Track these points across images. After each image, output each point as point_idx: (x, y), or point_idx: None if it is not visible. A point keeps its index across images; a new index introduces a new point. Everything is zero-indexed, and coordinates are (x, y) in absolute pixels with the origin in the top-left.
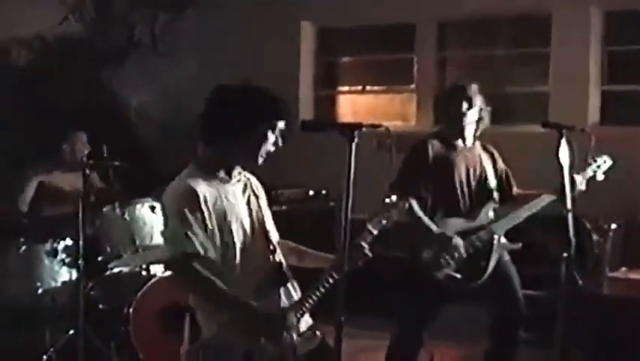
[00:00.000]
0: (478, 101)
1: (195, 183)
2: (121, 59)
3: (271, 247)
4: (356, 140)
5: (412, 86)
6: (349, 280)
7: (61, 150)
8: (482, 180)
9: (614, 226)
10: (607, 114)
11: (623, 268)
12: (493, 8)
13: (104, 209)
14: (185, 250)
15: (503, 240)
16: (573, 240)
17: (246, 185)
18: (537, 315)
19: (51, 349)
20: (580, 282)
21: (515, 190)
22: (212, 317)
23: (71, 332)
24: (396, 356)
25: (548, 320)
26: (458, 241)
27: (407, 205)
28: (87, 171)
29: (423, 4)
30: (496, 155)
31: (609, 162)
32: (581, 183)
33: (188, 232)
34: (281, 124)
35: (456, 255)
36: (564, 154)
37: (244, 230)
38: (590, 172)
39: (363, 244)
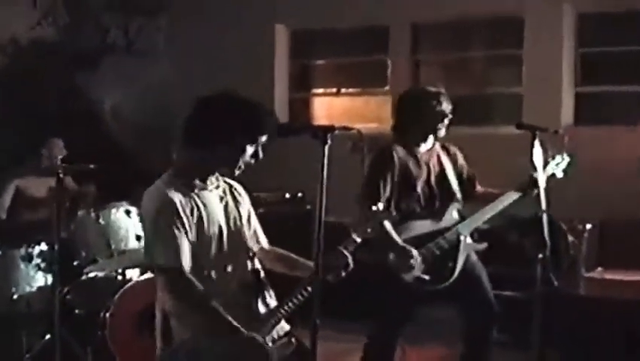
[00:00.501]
0: (449, 106)
1: (172, 191)
2: (95, 62)
3: (250, 254)
4: (329, 143)
5: (387, 88)
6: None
7: (39, 154)
8: (443, 180)
9: (589, 226)
10: (581, 115)
11: (599, 269)
12: (467, 10)
13: (79, 213)
14: (179, 262)
15: (469, 240)
16: (548, 241)
17: (224, 191)
18: (513, 316)
19: (27, 354)
20: (556, 283)
21: (479, 188)
22: (187, 323)
23: (48, 337)
24: (371, 359)
25: (524, 321)
26: (414, 252)
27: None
28: (61, 175)
29: (397, 7)
30: (458, 153)
31: (567, 159)
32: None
33: (175, 244)
34: (263, 138)
35: (413, 266)
36: (538, 155)
37: (220, 237)
38: (549, 170)
39: (346, 252)
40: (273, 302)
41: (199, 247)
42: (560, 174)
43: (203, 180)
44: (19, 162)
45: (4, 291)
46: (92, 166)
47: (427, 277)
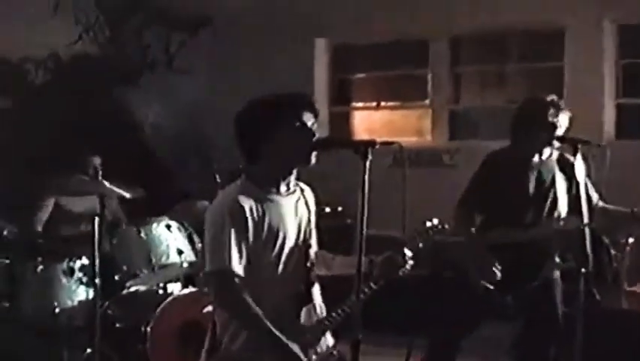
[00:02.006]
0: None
1: (242, 197)
2: (136, 78)
3: (308, 265)
4: (369, 157)
5: (427, 101)
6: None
7: (84, 172)
8: (548, 193)
9: (631, 240)
10: (622, 128)
11: None
12: (507, 22)
13: (121, 228)
14: (228, 267)
15: (557, 258)
16: (591, 255)
17: (298, 198)
18: None
19: None
20: (598, 297)
21: (600, 205)
22: (235, 335)
23: (88, 351)
24: None
25: (568, 334)
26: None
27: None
28: (105, 194)
29: (436, 20)
30: (577, 165)
31: None
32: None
33: (231, 249)
34: (306, 115)
35: (493, 273)
36: (580, 169)
37: (288, 247)
38: None
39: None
40: (320, 313)
41: (261, 254)
42: None
43: (278, 186)
44: (60, 177)
45: (46, 305)
46: (127, 195)
47: (491, 287)
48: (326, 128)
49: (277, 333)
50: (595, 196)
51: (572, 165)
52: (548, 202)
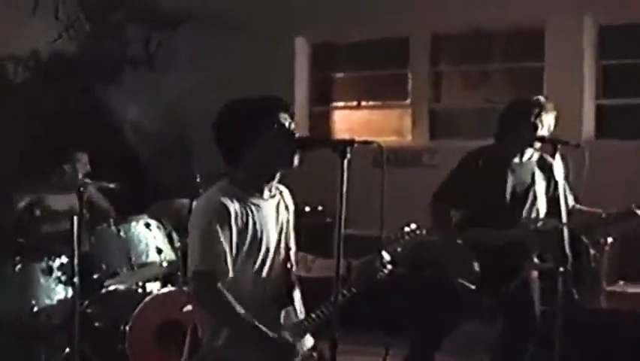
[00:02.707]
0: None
1: (227, 199)
2: (116, 76)
3: (289, 265)
4: (348, 156)
5: (407, 101)
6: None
7: (62, 169)
8: (527, 193)
9: (610, 239)
10: (602, 128)
11: (621, 282)
12: (488, 22)
13: (99, 226)
14: (214, 268)
15: (535, 259)
16: (569, 254)
17: (279, 201)
18: None
19: None
20: (577, 296)
21: (576, 206)
22: (217, 332)
23: (67, 350)
24: None
25: (546, 334)
26: (475, 268)
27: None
28: (83, 191)
29: (417, 19)
30: (555, 166)
31: None
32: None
33: (217, 249)
34: (284, 117)
35: (472, 270)
36: (559, 168)
37: (270, 251)
38: None
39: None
40: (299, 316)
41: (244, 258)
42: None
43: (261, 190)
44: (41, 175)
45: (25, 304)
46: (110, 185)
47: (472, 287)
48: (306, 128)
49: (263, 328)
50: (570, 198)
51: (551, 166)
52: (528, 203)
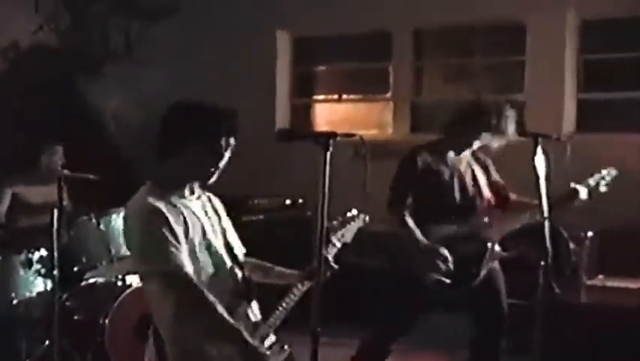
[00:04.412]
0: (494, 115)
1: (156, 201)
2: (96, 68)
3: (238, 262)
4: (331, 149)
5: (389, 94)
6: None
7: (39, 161)
8: (474, 187)
9: (590, 234)
10: (583, 122)
11: (600, 276)
12: (470, 17)
13: (79, 219)
14: (181, 265)
15: (497, 248)
16: (550, 248)
17: (204, 202)
18: (514, 323)
19: (27, 360)
20: (557, 290)
21: (512, 196)
22: (191, 331)
23: (47, 342)
24: None
25: (525, 327)
26: (445, 251)
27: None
28: (62, 182)
29: (399, 13)
30: (488, 161)
31: (614, 173)
32: (583, 193)
33: (172, 249)
34: (220, 134)
35: (443, 265)
36: (540, 162)
37: (209, 246)
38: (592, 182)
39: (329, 256)
40: (258, 312)
41: (190, 257)
42: (603, 189)
43: (182, 191)
44: (17, 168)
45: (4, 296)
46: (90, 176)
47: (447, 281)
48: (287, 121)
49: (245, 333)
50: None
51: (485, 161)
52: (473, 195)
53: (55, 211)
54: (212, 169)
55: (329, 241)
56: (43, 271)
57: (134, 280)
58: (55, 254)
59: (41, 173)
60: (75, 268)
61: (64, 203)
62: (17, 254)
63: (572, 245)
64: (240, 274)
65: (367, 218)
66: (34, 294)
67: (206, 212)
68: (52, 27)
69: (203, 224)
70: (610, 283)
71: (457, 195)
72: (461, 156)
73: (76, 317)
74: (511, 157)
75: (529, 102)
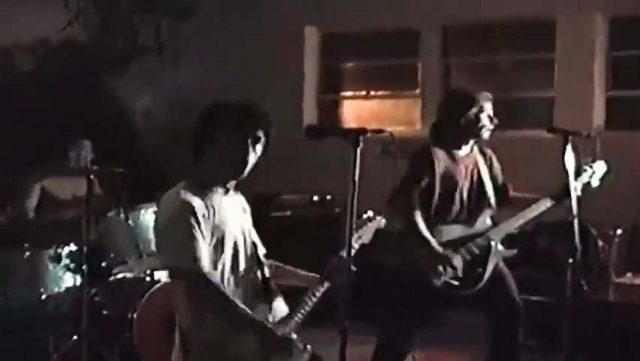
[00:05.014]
0: (490, 111)
1: (190, 196)
2: (125, 65)
3: (261, 262)
4: (361, 145)
5: (417, 91)
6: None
7: (67, 156)
8: (479, 186)
9: (619, 231)
10: (612, 119)
11: (629, 274)
12: (499, 13)
13: (108, 214)
14: (198, 263)
15: (500, 247)
16: (579, 246)
17: (234, 202)
18: (542, 321)
19: (55, 355)
20: (586, 288)
21: (513, 194)
22: (211, 326)
23: (75, 337)
24: None
25: (554, 326)
26: (458, 260)
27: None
28: (91, 177)
29: (428, 10)
30: (493, 158)
31: (604, 168)
32: (576, 188)
33: (194, 244)
34: (251, 130)
35: (452, 271)
36: (569, 159)
37: (236, 245)
38: (585, 178)
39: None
40: (284, 310)
41: (215, 253)
42: (595, 183)
43: (216, 189)
44: (46, 163)
45: (33, 291)
46: (120, 170)
47: (456, 283)
48: (315, 117)
49: (265, 323)
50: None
51: (491, 158)
52: (478, 195)
53: (84, 206)
54: (244, 164)
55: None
56: (72, 266)
57: (162, 276)
58: (85, 249)
59: (70, 168)
60: (104, 264)
61: (93, 198)
62: (46, 249)
63: (600, 243)
64: (260, 274)
65: (384, 220)
66: (63, 289)
67: (238, 209)
68: (82, 23)
69: (234, 222)
70: (638, 281)
71: (463, 193)
72: (468, 150)
73: (104, 312)
74: (539, 154)
75: (558, 99)
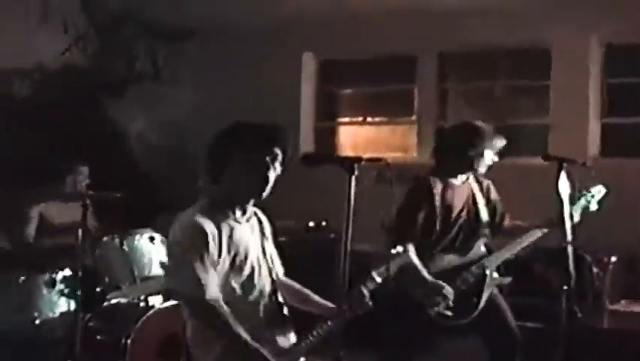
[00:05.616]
0: (497, 150)
1: (204, 220)
2: (122, 90)
3: (274, 287)
4: (356, 173)
5: (413, 117)
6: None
7: (63, 181)
8: (475, 215)
9: (613, 258)
10: (607, 147)
11: (623, 301)
12: (494, 40)
13: (104, 239)
14: (201, 290)
15: (495, 274)
16: (573, 273)
17: (254, 223)
18: (537, 348)
19: None
20: (580, 314)
21: (508, 222)
22: (212, 349)
23: None
24: None
25: (548, 352)
26: (449, 290)
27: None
28: (87, 202)
29: (424, 36)
30: (490, 186)
31: (603, 191)
32: (572, 215)
33: (205, 273)
34: (267, 150)
35: (444, 302)
36: (564, 187)
37: (250, 269)
38: (583, 202)
39: (365, 291)
40: (293, 337)
41: (229, 277)
42: (594, 207)
43: (235, 211)
44: (43, 188)
45: (27, 316)
46: (117, 194)
47: (449, 313)
48: (311, 143)
49: (261, 349)
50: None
51: (488, 186)
52: (473, 224)
53: (80, 231)
54: (265, 182)
55: (369, 276)
56: (66, 291)
57: (156, 301)
58: (79, 274)
59: (66, 193)
60: (98, 289)
61: (89, 223)
62: (41, 274)
63: (595, 269)
64: (274, 297)
65: (411, 255)
66: (57, 314)
67: (253, 233)
68: (81, 48)
69: (248, 245)
70: (633, 308)
71: (458, 222)
72: (464, 179)
73: (98, 337)
74: (534, 182)
75: (553, 126)
